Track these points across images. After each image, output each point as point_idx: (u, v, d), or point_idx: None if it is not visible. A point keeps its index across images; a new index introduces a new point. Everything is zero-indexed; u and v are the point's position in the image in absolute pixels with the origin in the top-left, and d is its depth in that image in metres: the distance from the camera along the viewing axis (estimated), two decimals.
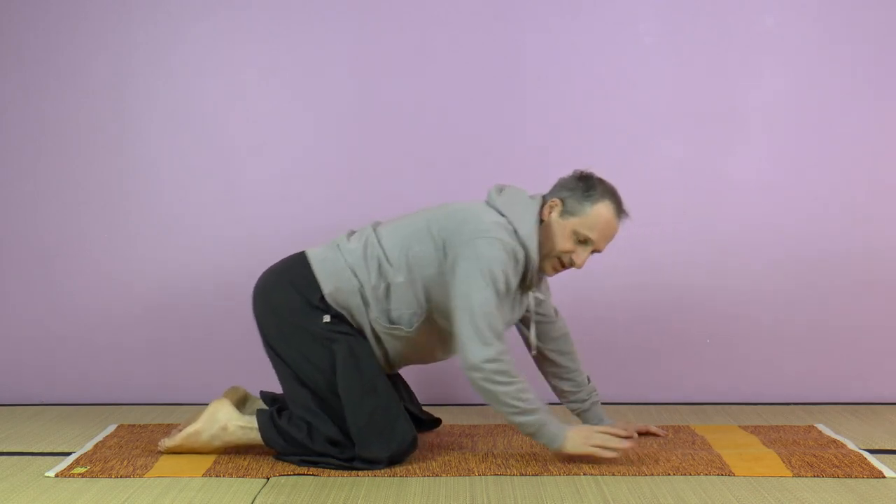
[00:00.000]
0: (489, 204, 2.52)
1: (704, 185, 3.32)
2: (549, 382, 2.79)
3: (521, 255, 2.44)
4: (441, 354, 2.63)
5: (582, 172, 2.53)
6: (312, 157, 3.35)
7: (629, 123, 3.32)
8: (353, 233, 2.62)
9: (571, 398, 2.77)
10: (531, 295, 2.60)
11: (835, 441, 2.71)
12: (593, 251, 2.51)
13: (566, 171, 3.29)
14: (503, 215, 2.46)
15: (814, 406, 3.22)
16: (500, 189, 2.56)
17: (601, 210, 2.46)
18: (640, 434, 2.77)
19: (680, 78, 3.31)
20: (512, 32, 3.31)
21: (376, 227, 2.58)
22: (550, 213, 2.49)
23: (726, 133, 3.32)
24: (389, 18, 3.32)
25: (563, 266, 2.52)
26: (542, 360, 2.77)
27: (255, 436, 2.51)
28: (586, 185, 2.49)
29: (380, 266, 2.48)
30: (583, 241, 2.47)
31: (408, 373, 2.82)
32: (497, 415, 3.08)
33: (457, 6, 3.31)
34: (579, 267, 2.50)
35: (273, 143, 3.34)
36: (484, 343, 2.35)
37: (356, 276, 2.48)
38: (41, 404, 3.30)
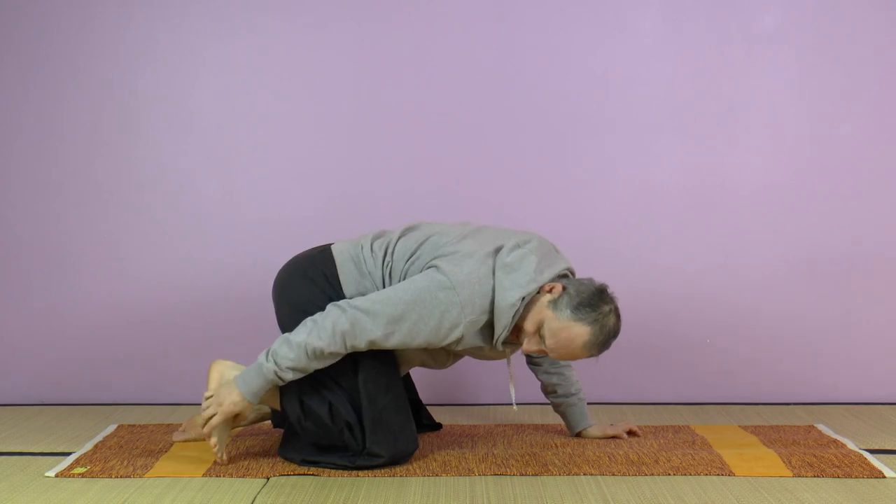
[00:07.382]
0: (497, 255, 2.36)
1: (704, 185, 3.32)
2: (538, 377, 2.78)
3: (476, 322, 2.31)
4: (439, 363, 2.62)
5: (601, 285, 2.35)
6: (312, 157, 3.34)
7: (630, 124, 3.32)
8: (381, 234, 2.55)
9: (560, 392, 2.76)
10: (499, 346, 2.43)
11: (835, 441, 2.71)
12: (542, 351, 2.37)
13: (565, 171, 3.33)
14: (495, 274, 2.32)
15: (814, 406, 3.23)
16: (521, 244, 2.38)
17: (575, 330, 2.29)
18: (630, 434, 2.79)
19: (680, 78, 3.31)
20: (512, 33, 3.31)
21: (404, 232, 2.50)
22: (548, 291, 2.33)
23: (726, 133, 3.32)
24: (390, 19, 3.32)
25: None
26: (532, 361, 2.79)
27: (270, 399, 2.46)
28: (589, 299, 2.30)
29: (390, 276, 2.45)
30: (541, 336, 2.34)
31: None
32: (497, 415, 3.10)
33: (457, 7, 3.31)
34: (524, 352, 2.42)
35: (272, 144, 3.34)
36: (349, 328, 2.28)
37: (375, 286, 2.45)
38: (41, 404, 3.30)
